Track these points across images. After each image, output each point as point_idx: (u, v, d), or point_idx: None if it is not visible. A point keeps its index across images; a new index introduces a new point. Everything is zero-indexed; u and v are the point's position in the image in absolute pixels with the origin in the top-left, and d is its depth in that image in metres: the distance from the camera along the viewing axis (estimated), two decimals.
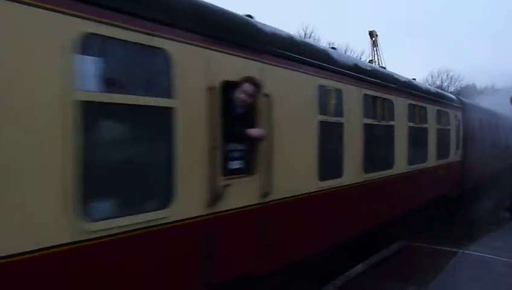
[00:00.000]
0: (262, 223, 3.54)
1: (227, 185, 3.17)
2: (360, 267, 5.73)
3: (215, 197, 3.08)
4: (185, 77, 2.82)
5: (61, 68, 2.14)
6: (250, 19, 3.81)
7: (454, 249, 6.85)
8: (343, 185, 4.69)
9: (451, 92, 38.84)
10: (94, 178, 2.33)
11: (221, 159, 3.13)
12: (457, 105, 8.92)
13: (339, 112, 4.64)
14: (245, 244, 3.38)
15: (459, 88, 68.71)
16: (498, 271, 5.90)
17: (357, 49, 58.89)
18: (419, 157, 6.95)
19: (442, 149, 7.98)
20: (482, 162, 10.80)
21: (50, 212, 2.09)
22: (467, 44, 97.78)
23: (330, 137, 4.52)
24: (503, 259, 6.46)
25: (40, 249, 2.03)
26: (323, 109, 4.37)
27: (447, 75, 69.99)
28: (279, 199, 3.71)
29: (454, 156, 8.72)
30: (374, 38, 56.62)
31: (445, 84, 70.30)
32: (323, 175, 4.33)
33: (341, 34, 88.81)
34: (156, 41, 2.67)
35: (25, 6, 2.00)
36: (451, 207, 8.95)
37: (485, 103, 15.73)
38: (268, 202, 3.60)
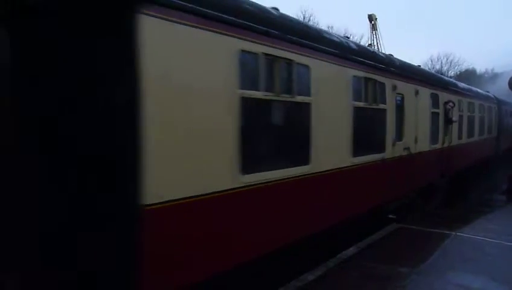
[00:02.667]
0: (446, 154, 10.67)
1: (444, 138, 10.35)
2: (353, 250, 6.35)
3: (444, 142, 10.26)
4: (440, 100, 9.93)
5: None
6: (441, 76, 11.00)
7: (447, 232, 7.60)
8: (463, 143, 11.99)
9: (450, 77, 45.94)
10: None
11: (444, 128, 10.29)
12: (495, 101, 16.45)
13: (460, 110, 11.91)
14: (444, 161, 10.50)
15: (458, 72, 76.43)
16: (490, 253, 6.51)
17: (356, 33, 64.88)
18: (482, 132, 14.37)
19: (490, 128, 15.48)
20: (506, 138, 18.36)
21: None
22: (466, 28, 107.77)
23: (460, 121, 11.76)
24: (495, 241, 7.15)
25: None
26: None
27: (447, 60, 77.24)
28: (452, 145, 10.92)
29: (494, 133, 16.25)
30: (373, 22, 62.29)
31: (445, 68, 77.36)
32: (460, 137, 11.61)
33: (340, 18, 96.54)
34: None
35: None
36: (450, 190, 11.25)
37: (486, 88, 20.42)
38: (450, 145, 10.81)
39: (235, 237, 4.07)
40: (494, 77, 75.45)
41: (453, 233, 7.60)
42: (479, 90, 14.88)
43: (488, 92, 16.90)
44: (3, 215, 2.45)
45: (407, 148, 7.99)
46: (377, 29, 62.52)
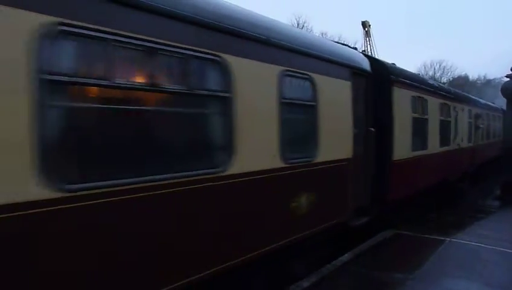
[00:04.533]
0: (474, 151, 16.59)
1: (474, 139, 16.30)
2: (347, 256, 6.95)
3: (474, 142, 16.21)
4: (472, 113, 15.87)
5: None
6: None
7: (442, 238, 8.13)
8: (483, 144, 18.07)
9: (444, 83, 50.91)
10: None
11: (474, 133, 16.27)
12: (500, 111, 22.69)
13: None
14: (473, 155, 16.43)
15: (451, 78, 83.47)
16: (484, 258, 7.03)
17: (350, 40, 69.61)
18: (494, 136, 20.48)
19: (496, 133, 21.65)
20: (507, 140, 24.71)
21: None
22: (459, 35, 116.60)
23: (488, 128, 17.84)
24: (489, 247, 7.66)
25: None
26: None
27: (440, 66, 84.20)
28: (478, 145, 16.89)
29: (499, 137, 22.47)
30: (366, 29, 67.47)
31: (438, 74, 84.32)
32: (482, 139, 17.63)
33: (334, 24, 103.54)
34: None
35: None
36: (441, 196, 12.69)
37: (479, 96, 26.02)
38: (477, 145, 16.78)
39: (416, 177, 9.85)
40: (486, 83, 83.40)
41: (448, 239, 8.18)
42: (491, 104, 21.09)
43: (493, 103, 23.16)
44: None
45: (458, 144, 13.78)
46: (370, 36, 67.76)
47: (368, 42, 67.04)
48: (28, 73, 2.81)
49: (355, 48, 10.04)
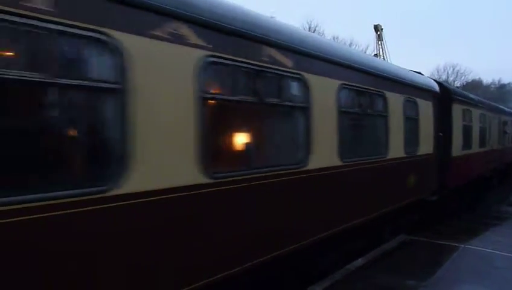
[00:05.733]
0: (502, 152, 20.28)
1: (502, 142, 19.98)
2: (360, 261, 7.24)
3: (502, 145, 19.89)
4: (500, 120, 19.54)
5: None
6: None
7: (456, 244, 8.47)
8: (508, 147, 21.68)
9: (458, 87, 52.03)
10: None
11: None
12: None
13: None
14: (501, 155, 20.10)
15: (465, 83, 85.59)
16: (498, 265, 7.18)
17: (362, 43, 69.55)
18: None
19: None
20: None
21: None
22: (473, 39, 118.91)
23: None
24: (504, 253, 7.91)
25: None
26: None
27: (453, 70, 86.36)
28: (504, 147, 20.56)
29: None
30: (378, 32, 69.76)
31: (451, 78, 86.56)
32: (507, 143, 21.31)
33: (346, 28, 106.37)
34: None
35: None
36: (457, 202, 13.41)
37: (492, 100, 29.28)
38: (504, 147, 20.46)
39: (464, 170, 13.60)
40: (501, 88, 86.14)
41: (462, 245, 8.43)
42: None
43: None
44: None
45: (491, 146, 17.44)
46: (382, 40, 70.43)
47: (380, 46, 70.09)
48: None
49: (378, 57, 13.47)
